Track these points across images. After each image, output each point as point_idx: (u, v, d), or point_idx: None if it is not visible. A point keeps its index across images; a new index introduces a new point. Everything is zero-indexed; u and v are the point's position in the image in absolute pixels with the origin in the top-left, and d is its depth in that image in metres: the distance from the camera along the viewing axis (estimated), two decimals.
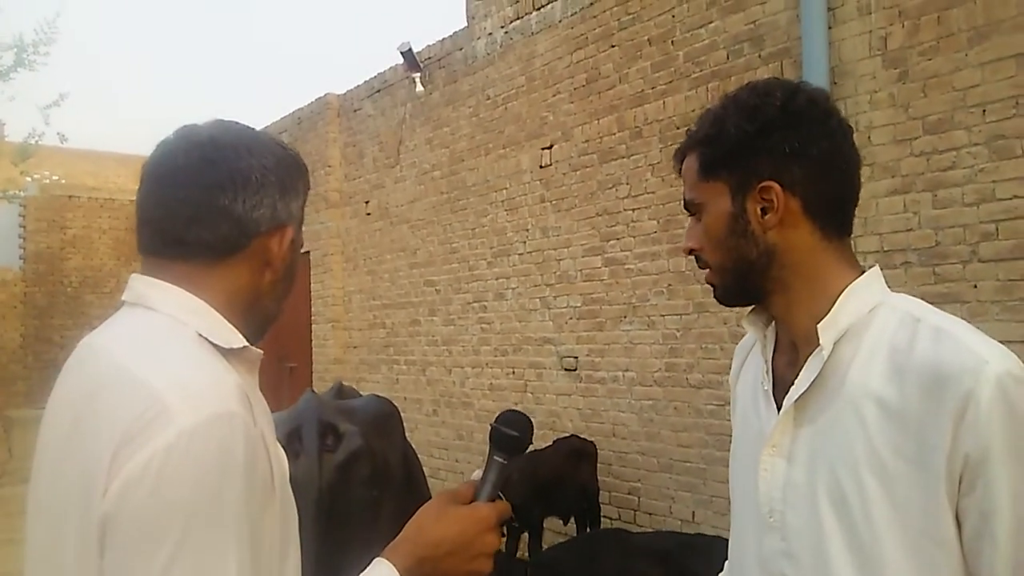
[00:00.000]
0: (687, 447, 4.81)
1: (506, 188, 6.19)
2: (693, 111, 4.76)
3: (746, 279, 1.10)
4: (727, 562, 1.31)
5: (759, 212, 1.07)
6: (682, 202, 1.18)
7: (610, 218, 5.31)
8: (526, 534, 4.80)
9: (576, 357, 5.58)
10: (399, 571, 0.96)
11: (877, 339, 1.01)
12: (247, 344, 1.00)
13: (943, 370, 0.93)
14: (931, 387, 0.93)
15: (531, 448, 4.74)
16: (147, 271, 1.00)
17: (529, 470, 4.67)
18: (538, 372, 5.92)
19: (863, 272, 1.09)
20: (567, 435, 5.30)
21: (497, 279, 6.29)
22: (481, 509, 1.01)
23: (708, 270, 1.14)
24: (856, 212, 4.16)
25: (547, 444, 5.22)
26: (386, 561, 0.96)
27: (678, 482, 4.87)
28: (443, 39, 6.90)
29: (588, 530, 4.97)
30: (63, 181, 15.93)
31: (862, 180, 4.01)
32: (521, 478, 4.59)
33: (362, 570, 0.95)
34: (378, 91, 7.73)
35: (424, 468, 7.00)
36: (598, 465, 5.27)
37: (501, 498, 1.06)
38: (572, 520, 5.06)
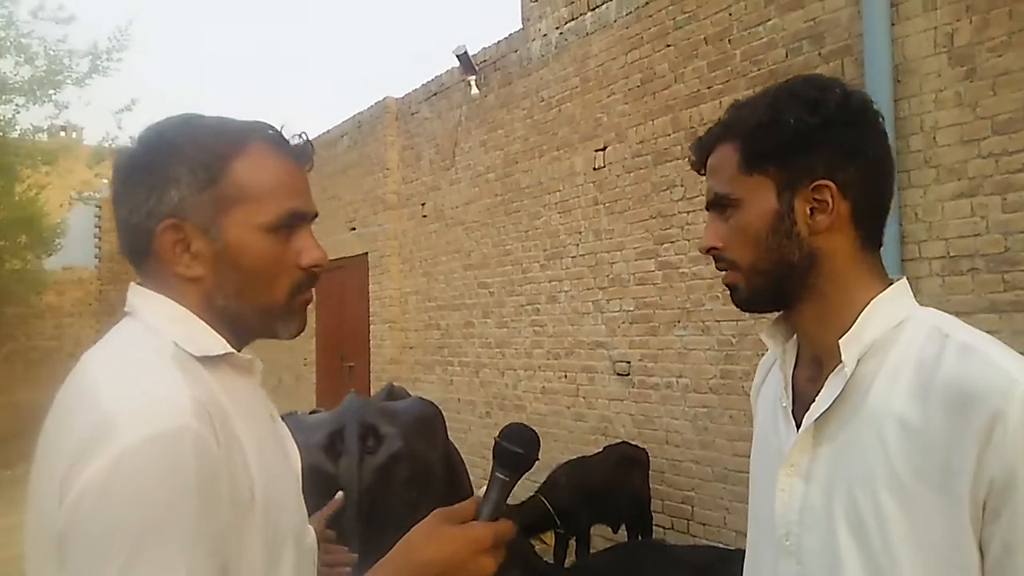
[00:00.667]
0: (743, 456, 4.69)
1: (559, 190, 6.15)
2: None
3: (781, 284, 1.03)
4: None
5: (807, 212, 1.00)
6: (708, 197, 1.08)
7: (664, 221, 5.22)
8: (574, 541, 4.75)
9: (629, 362, 5.51)
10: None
11: (903, 355, 0.95)
12: (232, 350, 0.97)
13: (969, 388, 0.87)
14: (956, 406, 0.87)
15: (581, 454, 4.70)
16: (140, 279, 1.01)
17: (577, 476, 4.62)
18: (590, 376, 5.86)
19: (890, 284, 1.03)
20: (618, 441, 5.22)
21: (550, 282, 6.25)
22: (476, 529, 0.94)
23: (731, 272, 1.06)
24: (920, 216, 3.99)
25: (597, 450, 5.16)
26: None
27: (733, 492, 4.75)
28: (498, 41, 6.90)
29: (639, 538, 4.89)
30: None
31: (927, 183, 3.83)
32: (568, 484, 4.54)
33: None
34: (435, 94, 7.78)
35: (477, 470, 7.03)
36: (651, 473, 5.19)
37: (508, 516, 1.00)
38: (624, 528, 5.00)
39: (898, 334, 0.97)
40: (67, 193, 12.31)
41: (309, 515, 1.13)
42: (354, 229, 9.04)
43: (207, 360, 0.95)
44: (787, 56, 4.47)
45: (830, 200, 0.99)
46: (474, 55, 7.04)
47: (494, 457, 1.00)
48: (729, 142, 1.04)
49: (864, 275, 1.02)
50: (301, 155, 1.07)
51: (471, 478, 3.87)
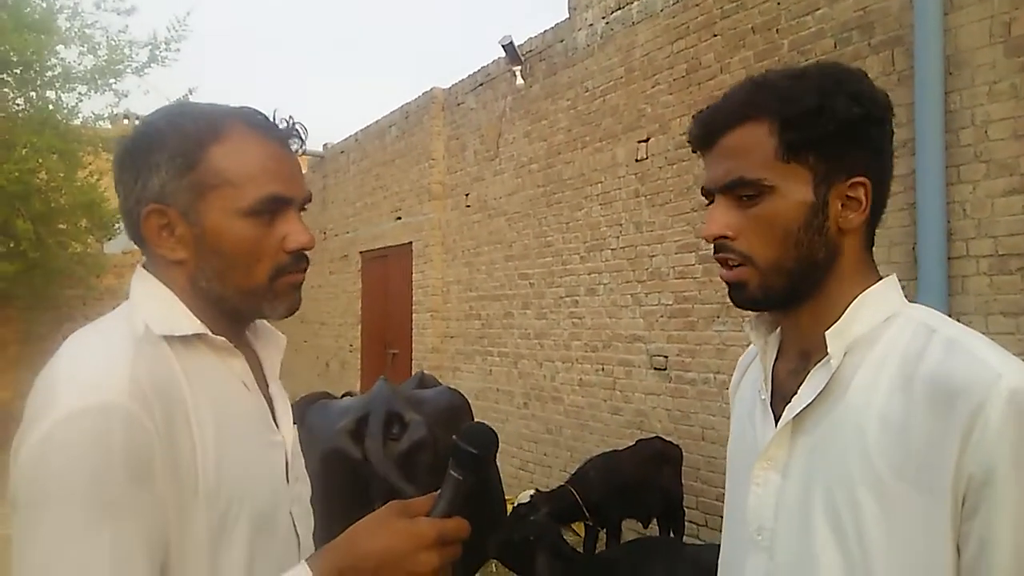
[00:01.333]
0: None
1: (601, 182, 6.10)
2: None
3: (800, 283, 0.97)
4: None
5: (839, 208, 0.95)
6: (725, 180, 0.98)
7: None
8: (604, 533, 4.73)
9: (666, 356, 5.45)
10: (320, 568, 0.90)
11: (888, 350, 0.92)
12: (202, 331, 1.00)
13: (952, 383, 0.85)
14: (939, 401, 0.85)
15: (616, 447, 4.65)
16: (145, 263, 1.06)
17: (607, 469, 4.59)
18: (627, 370, 5.81)
19: (880, 280, 0.99)
20: (651, 436, 5.17)
21: (589, 274, 6.22)
22: (420, 525, 0.91)
23: (743, 267, 0.98)
24: (968, 212, 3.86)
25: (629, 444, 5.12)
26: (306, 566, 0.91)
27: None
28: (544, 31, 6.87)
29: (671, 535, 4.84)
30: None
31: (977, 178, 3.70)
32: (598, 477, 4.52)
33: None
34: (480, 85, 7.79)
35: (514, 460, 7.05)
36: (685, 469, 5.13)
37: (463, 515, 0.96)
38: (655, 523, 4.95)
39: (885, 329, 0.95)
40: None
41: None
42: (400, 218, 9.12)
43: (177, 341, 0.97)
44: (836, 46, 4.35)
45: (863, 198, 0.95)
46: (520, 45, 7.02)
47: (451, 457, 0.97)
48: (761, 123, 0.95)
49: (863, 273, 0.99)
50: (287, 139, 1.06)
51: (499, 471, 3.86)
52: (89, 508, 0.84)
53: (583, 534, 4.73)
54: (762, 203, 0.96)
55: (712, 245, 1.02)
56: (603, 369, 6.06)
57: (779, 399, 1.02)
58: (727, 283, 1.01)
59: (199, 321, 1.00)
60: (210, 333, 1.01)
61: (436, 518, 0.93)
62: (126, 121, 13.84)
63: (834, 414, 0.94)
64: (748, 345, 4.05)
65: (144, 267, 1.04)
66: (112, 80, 10.25)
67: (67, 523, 0.83)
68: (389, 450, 2.78)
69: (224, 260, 1.00)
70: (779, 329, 1.07)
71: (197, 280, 1.01)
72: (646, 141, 5.67)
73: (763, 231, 0.96)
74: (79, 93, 10.29)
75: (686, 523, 5.04)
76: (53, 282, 10.80)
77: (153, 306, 0.99)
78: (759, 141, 0.95)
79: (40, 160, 9.54)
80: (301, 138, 1.10)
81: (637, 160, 5.74)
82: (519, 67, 7.00)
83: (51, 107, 10.04)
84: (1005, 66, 3.55)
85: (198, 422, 0.94)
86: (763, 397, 1.05)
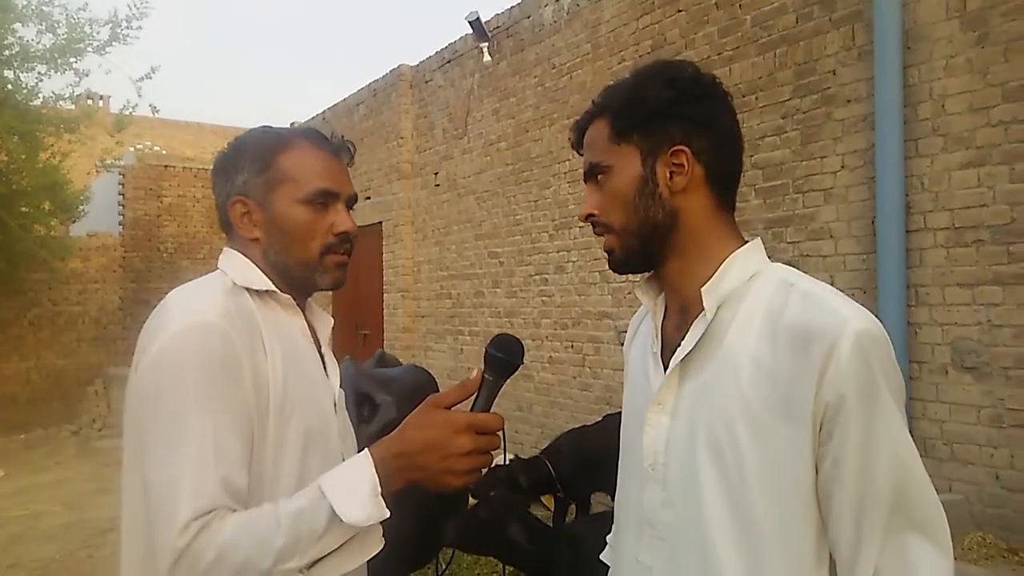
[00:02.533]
0: None
1: (569, 159, 6.10)
2: (760, 77, 4.55)
3: (649, 242, 1.14)
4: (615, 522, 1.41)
5: (668, 175, 1.13)
6: (585, 169, 1.20)
7: None
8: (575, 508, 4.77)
9: None
10: (374, 460, 1.11)
11: (755, 303, 1.08)
12: (271, 288, 1.31)
13: (810, 328, 1.00)
14: (799, 344, 1.00)
15: (585, 423, 4.66)
16: (228, 245, 1.39)
17: (576, 444, 4.62)
18: (596, 346, 5.85)
19: (745, 243, 1.15)
20: (617, 411, 5.20)
21: (558, 252, 6.23)
22: (456, 415, 1.13)
23: (608, 236, 1.17)
24: (926, 186, 3.92)
25: (598, 419, 5.16)
26: (367, 451, 1.14)
27: None
28: (511, 7, 6.82)
29: None
30: (163, 152, 16.71)
31: (935, 152, 3.76)
32: (568, 451, 4.55)
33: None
34: (448, 62, 7.73)
35: None
36: None
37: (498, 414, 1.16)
38: None
39: (751, 285, 1.10)
40: (91, 161, 12.42)
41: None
42: (369, 198, 9.05)
43: (255, 294, 1.29)
44: (797, 22, 4.37)
45: (686, 163, 1.12)
46: (487, 21, 6.97)
47: (484, 362, 1.17)
48: (601, 118, 1.17)
49: (721, 233, 1.15)
50: (337, 150, 1.39)
51: None
52: (197, 397, 1.13)
53: (552, 507, 4.77)
54: (607, 181, 1.16)
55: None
56: (572, 346, 6.10)
57: (668, 351, 1.17)
58: (605, 251, 1.20)
59: (271, 282, 1.32)
60: (278, 291, 1.31)
61: (473, 412, 1.14)
62: (89, 102, 13.56)
63: (714, 360, 1.08)
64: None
65: (228, 247, 1.37)
66: (72, 59, 10.02)
67: (182, 408, 1.12)
68: (360, 432, 2.76)
69: (287, 237, 1.32)
70: (664, 292, 1.23)
71: (268, 253, 1.33)
72: None
73: (611, 203, 1.16)
74: (39, 73, 10.05)
75: None
76: (17, 266, 10.60)
77: (237, 268, 1.31)
78: (600, 132, 1.17)
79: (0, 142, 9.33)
80: (350, 151, 1.43)
81: None
82: (486, 44, 6.96)
83: (10, 87, 9.80)
84: (961, 40, 3.59)
85: (270, 349, 1.23)
86: (654, 351, 1.20)
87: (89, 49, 10.11)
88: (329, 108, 10.10)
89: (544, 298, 6.40)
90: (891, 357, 1.02)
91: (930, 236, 3.70)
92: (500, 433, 1.15)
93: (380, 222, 8.77)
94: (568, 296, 6.12)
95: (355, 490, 1.09)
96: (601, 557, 1.44)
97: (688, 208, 1.14)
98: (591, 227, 1.20)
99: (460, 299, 7.56)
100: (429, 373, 3.54)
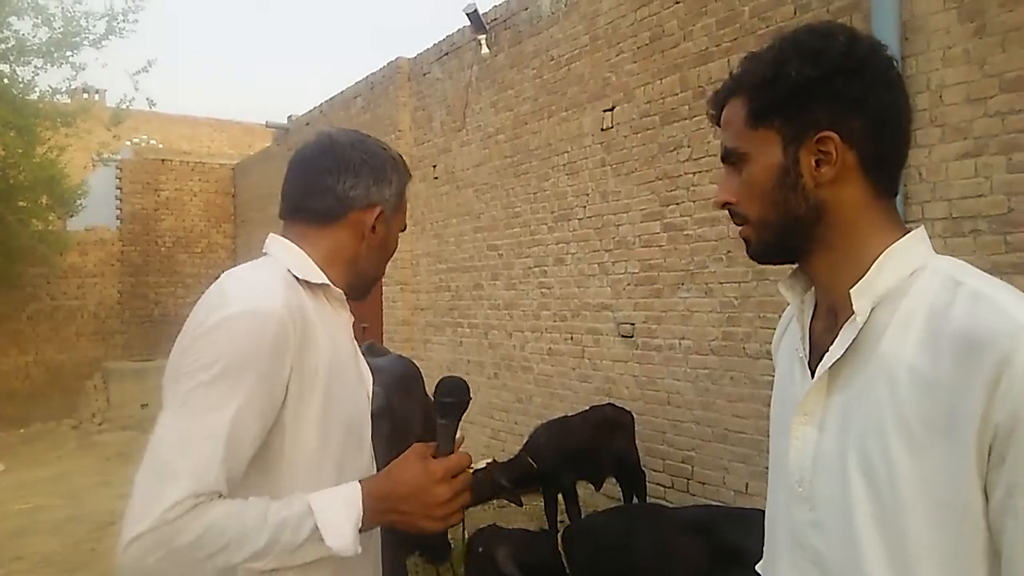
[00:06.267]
0: (743, 418, 4.70)
1: (567, 152, 6.11)
2: None
3: (789, 236, 1.03)
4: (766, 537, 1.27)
5: (813, 164, 1.00)
6: (721, 151, 1.09)
7: (670, 182, 5.17)
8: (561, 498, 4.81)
9: (633, 324, 5.51)
10: (363, 493, 1.18)
11: (916, 304, 0.95)
12: (327, 282, 1.34)
13: (978, 334, 0.86)
14: (965, 353, 0.87)
15: (564, 414, 4.72)
16: (280, 231, 1.39)
17: (557, 436, 4.66)
18: (595, 338, 5.87)
19: (907, 233, 1.02)
20: (602, 404, 5.25)
21: (557, 244, 6.24)
22: (432, 464, 1.21)
23: (744, 225, 1.07)
24: (924, 176, 3.95)
25: (578, 411, 5.19)
26: (358, 484, 1.20)
27: (733, 452, 4.77)
28: None
29: (634, 498, 4.93)
30: (160, 145, 16.66)
31: (932, 142, 3.77)
32: (549, 443, 4.60)
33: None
34: (446, 54, 7.72)
35: (486, 430, 7.11)
36: (651, 433, 5.22)
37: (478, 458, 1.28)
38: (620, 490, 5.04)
39: (912, 283, 0.97)
40: (88, 155, 12.40)
41: None
42: None
43: (308, 285, 1.31)
44: (795, 13, 4.38)
45: (834, 151, 0.99)
46: (485, 13, 6.96)
47: (436, 410, 1.27)
48: (739, 96, 1.05)
49: (878, 224, 1.02)
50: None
51: (472, 440, 3.90)
52: (235, 381, 1.15)
53: (544, 499, 4.80)
54: (744, 168, 1.05)
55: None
56: (572, 338, 6.12)
57: (816, 357, 1.05)
58: (742, 239, 1.10)
59: (322, 274, 1.36)
60: (332, 286, 1.35)
61: (441, 457, 1.23)
62: (85, 95, 13.52)
63: (867, 369, 0.97)
64: (711, 312, 4.13)
65: (280, 235, 1.38)
66: (69, 53, 10.04)
67: (216, 387, 1.15)
68: None
69: (385, 256, 1.45)
70: (812, 288, 1.11)
71: (359, 261, 1.41)
72: (611, 110, 5.68)
73: (748, 193, 1.05)
74: (35, 66, 10.06)
75: (654, 485, 5.14)
76: (16, 261, 10.60)
77: (292, 259, 1.33)
78: (736, 113, 1.05)
79: None
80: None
81: (603, 129, 5.75)
82: (484, 36, 6.95)
83: (6, 81, 9.79)
84: (959, 31, 3.60)
85: (321, 343, 1.27)
86: (800, 355, 1.08)
87: (85, 43, 10.13)
88: (327, 101, 10.09)
89: (543, 290, 6.42)
90: None
91: (928, 226, 3.71)
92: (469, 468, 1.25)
93: None
94: (567, 288, 6.14)
95: (341, 518, 1.15)
96: (757, 568, 1.31)
97: (837, 200, 1.01)
98: (730, 217, 1.09)
99: (459, 292, 7.58)
100: (413, 363, 3.57)
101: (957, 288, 0.92)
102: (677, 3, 5.14)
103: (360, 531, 1.16)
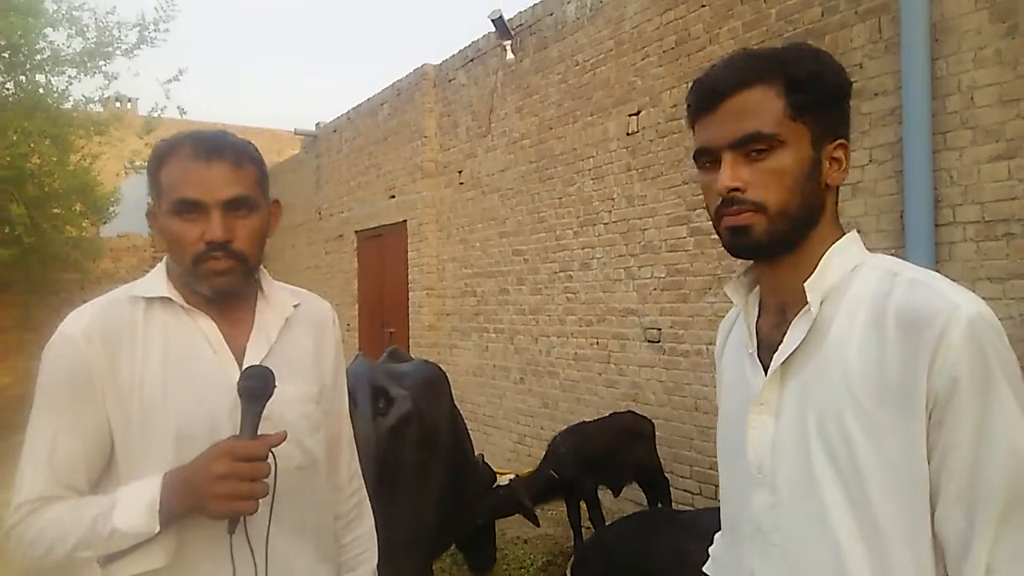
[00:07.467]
0: None
1: (593, 156, 6.10)
2: None
3: (798, 229, 1.07)
4: (719, 533, 1.33)
5: (827, 167, 1.08)
6: (739, 135, 1.05)
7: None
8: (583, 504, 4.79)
9: (659, 329, 5.48)
10: (165, 481, 1.23)
11: (859, 295, 1.04)
12: (165, 295, 1.35)
13: (919, 316, 0.96)
14: (908, 333, 0.97)
15: (583, 419, 4.72)
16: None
17: (576, 443, 4.66)
18: (621, 343, 5.85)
19: (844, 235, 1.11)
20: (622, 411, 5.22)
21: (583, 249, 6.23)
22: (218, 445, 1.23)
23: (751, 214, 1.05)
24: (955, 179, 3.90)
25: (598, 417, 5.18)
26: (165, 474, 1.25)
27: None
28: (534, 5, 6.82)
29: (659, 505, 4.90)
30: None
31: (964, 144, 3.74)
32: (568, 451, 4.59)
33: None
34: (471, 60, 7.75)
35: (512, 435, 7.11)
36: (678, 439, 5.18)
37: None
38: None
39: (853, 278, 1.06)
40: (120, 163, 12.61)
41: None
42: (393, 197, 9.11)
43: (150, 301, 1.35)
44: (823, 15, 4.34)
45: (844, 159, 1.08)
46: (510, 19, 6.98)
47: (241, 396, 1.25)
48: (770, 85, 1.05)
49: (834, 229, 1.11)
50: (209, 156, 1.33)
51: (475, 440, 3.91)
52: (42, 405, 1.29)
53: (567, 505, 4.79)
54: (773, 156, 1.05)
55: (707, 205, 1.13)
56: (597, 343, 6.10)
57: (765, 350, 1.13)
58: (732, 228, 1.07)
59: (169, 287, 1.37)
60: (172, 299, 1.35)
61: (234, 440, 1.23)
62: (117, 104, 13.74)
63: (818, 357, 1.04)
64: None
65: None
66: (102, 62, 10.20)
67: (34, 412, 1.30)
68: (377, 425, 2.80)
69: (169, 247, 1.35)
70: (756, 289, 1.19)
71: (170, 262, 1.40)
72: (637, 114, 5.66)
73: (775, 181, 1.05)
74: (69, 76, 10.25)
75: (681, 492, 5.10)
76: (50, 267, 10.79)
77: (148, 277, 1.39)
78: (769, 101, 1.05)
79: (32, 145, 9.50)
80: (233, 152, 1.37)
81: (628, 134, 5.74)
82: (509, 41, 6.97)
83: (41, 91, 9.99)
84: (990, 32, 3.54)
85: (142, 355, 1.31)
86: (750, 351, 1.15)
87: (118, 52, 10.30)
88: (353, 108, 10.17)
89: (569, 295, 6.41)
90: (1006, 344, 0.97)
91: (960, 230, 3.66)
92: (271, 460, 1.23)
93: (404, 221, 8.83)
94: (593, 293, 6.13)
95: (137, 503, 1.21)
96: (704, 569, 1.37)
97: (827, 205, 1.09)
98: (724, 203, 1.07)
99: (485, 297, 7.59)
100: (440, 368, 3.57)
101: (895, 278, 1.02)
102: (703, 6, 5.11)
103: (169, 515, 1.21)
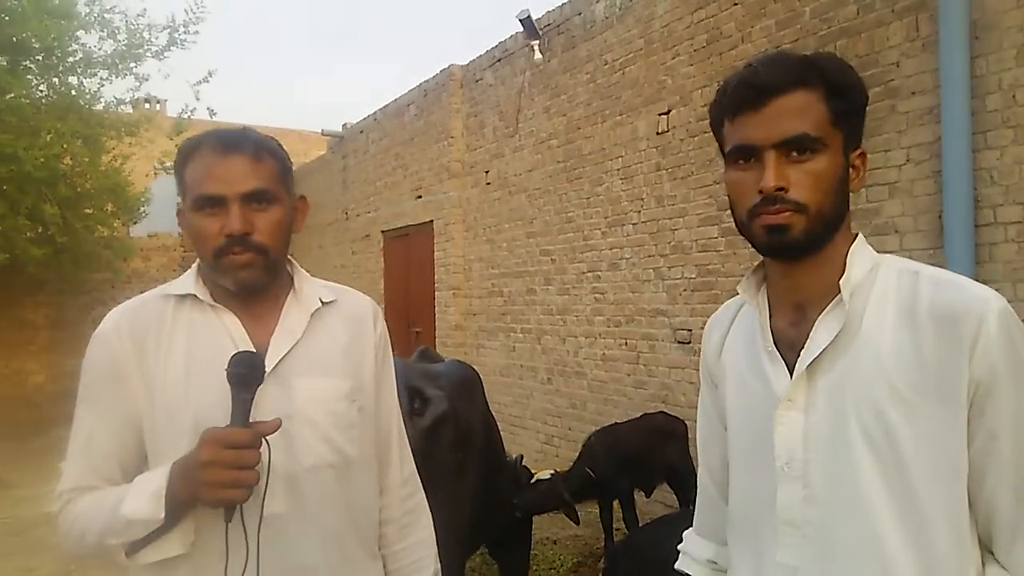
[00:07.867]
0: None
1: (622, 156, 6.07)
2: None
3: (829, 230, 1.11)
4: (689, 531, 1.41)
5: (851, 173, 1.14)
6: (784, 136, 1.07)
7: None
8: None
9: (690, 330, 5.44)
10: (172, 468, 1.24)
11: (883, 292, 1.09)
12: (190, 292, 1.38)
13: (954, 311, 1.02)
14: (945, 327, 1.02)
15: (612, 421, 4.71)
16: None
17: (609, 443, 4.64)
18: (651, 344, 5.82)
19: (855, 237, 1.16)
20: (654, 412, 5.19)
21: (611, 249, 6.20)
22: (207, 430, 1.22)
23: (792, 214, 1.07)
24: (995, 179, 3.86)
25: (631, 417, 5.15)
26: (170, 464, 1.27)
27: None
28: (562, 4, 6.81)
29: (690, 507, 4.86)
30: None
31: (1004, 143, 3.69)
32: (601, 451, 4.58)
33: None
34: (498, 60, 7.74)
35: (539, 435, 7.10)
36: None
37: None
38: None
39: (874, 276, 1.11)
40: (150, 163, 12.77)
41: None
42: (420, 197, 9.13)
43: (179, 298, 1.39)
44: (858, 13, 4.28)
45: (861, 167, 1.15)
46: (538, 19, 6.97)
47: (230, 383, 1.23)
48: (811, 90, 1.09)
49: (850, 232, 1.16)
50: (226, 150, 1.34)
51: (508, 440, 3.90)
52: (82, 399, 1.37)
53: (600, 506, 4.78)
54: (817, 158, 1.08)
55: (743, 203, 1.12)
56: (626, 344, 6.07)
57: (785, 347, 1.15)
58: (771, 227, 1.08)
59: (196, 284, 1.40)
60: (198, 295, 1.38)
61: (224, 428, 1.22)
62: (147, 105, 13.92)
63: (851, 351, 1.08)
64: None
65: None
66: (132, 64, 10.32)
67: (77, 407, 1.37)
68: (413, 425, 2.80)
69: (194, 244, 1.38)
70: (763, 288, 1.21)
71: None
72: (667, 114, 5.63)
73: (817, 183, 1.08)
74: (100, 78, 10.38)
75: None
76: (82, 266, 10.95)
77: (179, 277, 1.43)
78: (814, 105, 1.09)
79: (65, 146, 9.64)
80: (252, 145, 1.37)
81: (658, 133, 5.70)
82: (537, 41, 6.96)
83: (74, 92, 10.13)
84: None
85: (166, 350, 1.35)
86: (769, 349, 1.17)
87: (148, 54, 10.42)
88: (380, 109, 10.21)
89: (597, 295, 6.38)
90: None
91: (1000, 231, 3.60)
92: (262, 448, 1.22)
93: (431, 221, 8.85)
94: (622, 293, 6.10)
95: (144, 492, 1.25)
96: (679, 567, 1.39)
97: (848, 209, 1.15)
98: (764, 200, 1.07)
99: (512, 297, 7.58)
100: (473, 368, 3.56)
101: (916, 276, 1.08)
102: (735, 5, 5.07)
103: (174, 503, 1.23)
